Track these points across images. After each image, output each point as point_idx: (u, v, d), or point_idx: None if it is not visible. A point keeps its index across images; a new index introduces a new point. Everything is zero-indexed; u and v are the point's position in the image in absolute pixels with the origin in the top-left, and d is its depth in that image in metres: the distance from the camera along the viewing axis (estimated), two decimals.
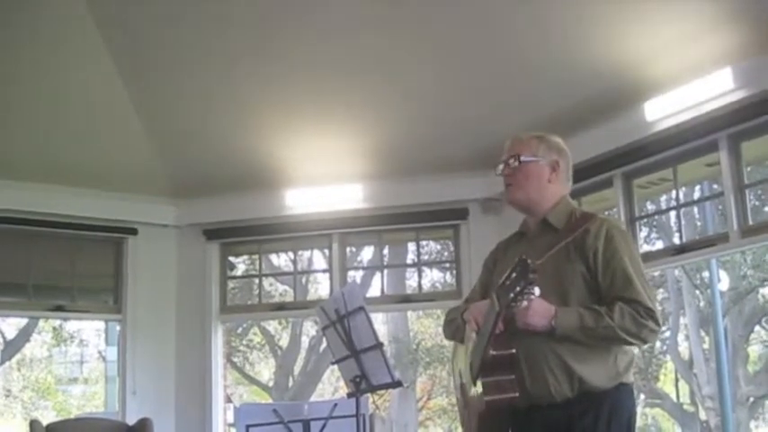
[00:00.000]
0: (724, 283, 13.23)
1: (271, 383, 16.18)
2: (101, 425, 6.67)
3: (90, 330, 15.94)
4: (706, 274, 13.12)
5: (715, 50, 4.90)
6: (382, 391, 4.15)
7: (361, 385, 3.88)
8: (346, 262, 7.57)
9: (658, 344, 13.92)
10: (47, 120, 6.28)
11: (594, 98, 5.58)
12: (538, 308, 2.62)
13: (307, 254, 12.67)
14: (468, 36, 5.58)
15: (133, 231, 7.12)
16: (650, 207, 8.62)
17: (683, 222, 6.66)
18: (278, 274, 11.98)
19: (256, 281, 7.97)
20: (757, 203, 11.68)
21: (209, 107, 6.44)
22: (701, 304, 13.80)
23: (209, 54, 6.01)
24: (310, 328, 15.31)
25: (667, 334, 13.78)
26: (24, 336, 15.35)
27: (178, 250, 7.34)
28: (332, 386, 15.95)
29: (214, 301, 7.29)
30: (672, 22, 4.95)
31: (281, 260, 11.19)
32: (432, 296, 9.01)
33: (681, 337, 14.24)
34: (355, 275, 10.06)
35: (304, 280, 13.74)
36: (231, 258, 7.97)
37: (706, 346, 13.58)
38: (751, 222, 5.16)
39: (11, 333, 15.06)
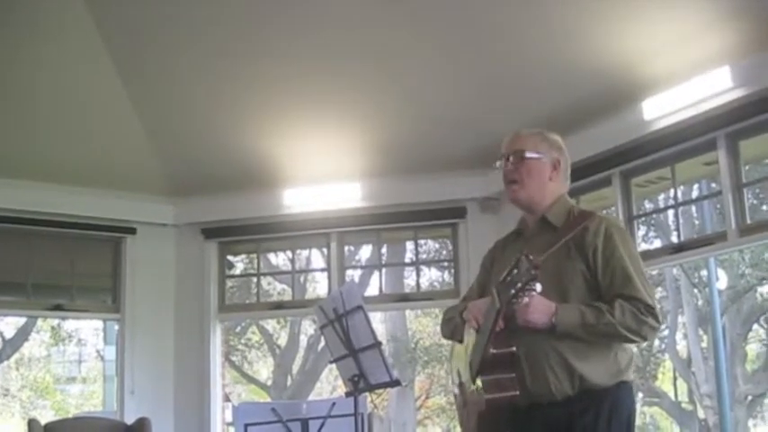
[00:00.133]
0: (722, 281, 13.24)
1: (269, 382, 16.18)
2: (99, 424, 6.66)
3: (88, 329, 15.94)
4: (704, 272, 13.14)
5: (713, 49, 4.90)
6: (380, 390, 4.17)
7: (359, 384, 3.88)
8: (344, 261, 7.57)
9: (657, 342, 13.94)
10: (45, 119, 6.28)
11: (593, 97, 5.58)
12: (538, 305, 2.61)
13: (305, 253, 12.70)
14: (467, 35, 5.58)
15: (131, 231, 7.12)
16: (648, 206, 8.64)
17: (681, 221, 6.66)
18: (276, 273, 11.96)
19: (255, 280, 7.96)
20: (755, 202, 11.70)
21: (208, 106, 6.44)
22: (700, 303, 13.81)
23: (207, 53, 6.01)
24: (309, 327, 15.31)
25: (666, 333, 13.79)
26: (23, 335, 15.34)
27: (176, 249, 7.33)
28: (330, 385, 15.96)
29: (212, 300, 7.28)
30: (670, 21, 4.96)
31: (280, 259, 11.16)
32: (430, 295, 9.00)
33: (679, 335, 14.25)
34: (353, 274, 10.09)
35: (302, 279, 13.75)
36: (229, 257, 7.97)
37: (704, 344, 13.59)
38: (749, 221, 5.16)
39: (9, 332, 15.05)
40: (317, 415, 4.37)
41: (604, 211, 5.96)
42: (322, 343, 13.73)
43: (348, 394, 4.01)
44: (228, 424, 7.85)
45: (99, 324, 14.58)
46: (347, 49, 5.83)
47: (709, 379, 12.93)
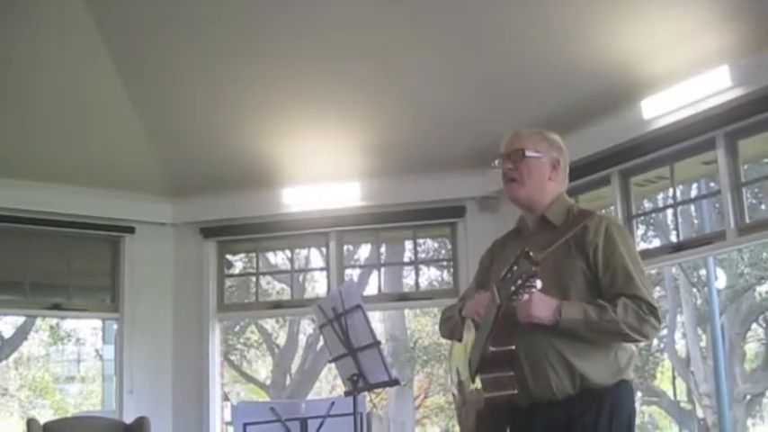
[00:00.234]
0: (721, 281, 13.25)
1: (268, 382, 16.19)
2: (98, 423, 6.66)
3: (87, 329, 15.96)
4: (703, 272, 13.15)
5: (712, 48, 4.90)
6: (379, 390, 4.16)
7: (358, 383, 3.88)
8: (343, 260, 7.57)
9: (655, 342, 13.94)
10: (44, 118, 6.27)
11: (592, 96, 5.58)
12: (540, 301, 2.60)
13: (304, 252, 12.71)
14: (466, 34, 5.58)
15: (130, 230, 7.12)
16: (647, 205, 8.65)
17: (680, 220, 6.67)
18: (275, 273, 11.96)
19: (253, 279, 7.96)
20: (754, 201, 11.71)
21: (207, 106, 6.44)
22: (698, 302, 13.82)
23: (206, 53, 6.01)
24: (307, 327, 15.32)
25: (664, 332, 13.79)
26: (21, 334, 15.34)
27: (175, 248, 7.33)
28: (329, 384, 15.97)
29: (211, 300, 7.28)
30: (669, 20, 4.96)
31: (279, 258, 11.17)
32: (429, 294, 8.99)
33: (678, 334, 14.26)
34: (352, 274, 10.07)
35: (301, 278, 13.77)
36: (228, 256, 7.96)
37: (703, 343, 13.59)
38: (748, 220, 5.17)
39: (8, 331, 15.05)
40: (316, 414, 4.36)
41: (603, 211, 5.96)
42: (321, 342, 13.73)
43: (347, 393, 4.00)
44: (227, 423, 7.84)
45: (98, 323, 14.62)
46: (347, 48, 5.82)
47: (707, 378, 12.94)
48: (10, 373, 16.00)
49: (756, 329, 14.39)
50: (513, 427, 2.76)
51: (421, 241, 8.50)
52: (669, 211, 8.89)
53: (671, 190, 5.97)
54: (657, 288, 13.53)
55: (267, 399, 15.16)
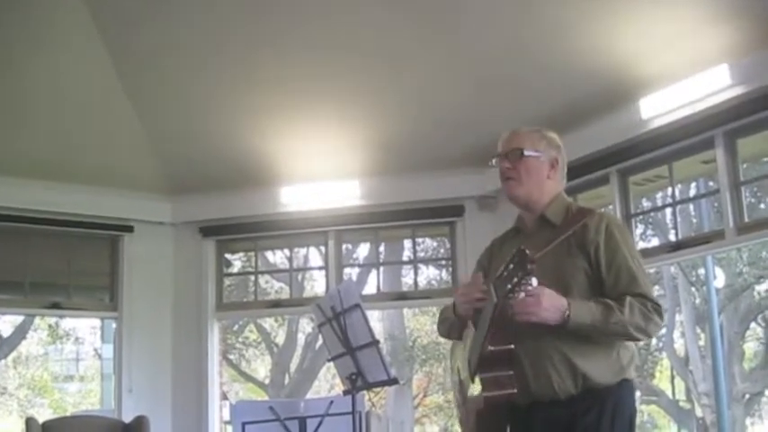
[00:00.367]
0: (720, 280, 13.24)
1: (267, 381, 16.18)
2: (97, 423, 6.64)
3: (86, 328, 15.94)
4: (702, 271, 13.13)
5: (711, 47, 4.90)
6: (378, 389, 4.16)
7: (357, 382, 3.88)
8: (342, 259, 7.58)
9: (654, 341, 13.92)
10: (43, 117, 6.27)
11: (590, 95, 5.58)
12: (549, 302, 2.56)
13: (303, 251, 12.70)
14: (465, 34, 5.58)
15: (129, 229, 7.12)
16: (646, 204, 8.65)
17: (678, 219, 6.68)
18: (274, 272, 11.95)
19: (252, 278, 7.95)
20: (753, 200, 11.70)
21: (205, 105, 6.44)
22: (697, 301, 13.82)
23: (204, 52, 6.01)
24: (306, 326, 15.31)
25: (663, 331, 13.78)
26: (20, 333, 15.32)
27: (174, 247, 7.33)
28: (328, 383, 15.96)
29: (210, 299, 7.28)
30: (667, 20, 4.96)
31: (277, 257, 11.18)
32: (428, 293, 8.99)
33: (677, 334, 14.25)
34: (351, 273, 10.06)
35: (300, 277, 13.76)
36: (227, 255, 7.96)
37: (702, 343, 13.59)
38: (747, 219, 5.17)
39: (7, 330, 15.02)
40: (315, 413, 4.36)
41: (602, 210, 5.96)
42: (320, 341, 13.71)
43: (346, 392, 4.01)
44: (226, 422, 7.83)
45: (96, 322, 14.60)
46: (346, 48, 5.82)
47: (706, 377, 12.93)
48: (9, 372, 15.98)
49: (755, 328, 14.39)
50: (512, 426, 2.75)
51: (420, 240, 8.49)
52: (668, 211, 8.88)
53: (670, 189, 5.98)
54: (656, 287, 13.51)
55: (266, 398, 15.15)
